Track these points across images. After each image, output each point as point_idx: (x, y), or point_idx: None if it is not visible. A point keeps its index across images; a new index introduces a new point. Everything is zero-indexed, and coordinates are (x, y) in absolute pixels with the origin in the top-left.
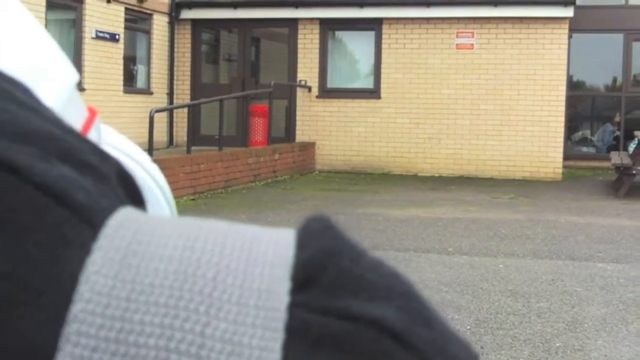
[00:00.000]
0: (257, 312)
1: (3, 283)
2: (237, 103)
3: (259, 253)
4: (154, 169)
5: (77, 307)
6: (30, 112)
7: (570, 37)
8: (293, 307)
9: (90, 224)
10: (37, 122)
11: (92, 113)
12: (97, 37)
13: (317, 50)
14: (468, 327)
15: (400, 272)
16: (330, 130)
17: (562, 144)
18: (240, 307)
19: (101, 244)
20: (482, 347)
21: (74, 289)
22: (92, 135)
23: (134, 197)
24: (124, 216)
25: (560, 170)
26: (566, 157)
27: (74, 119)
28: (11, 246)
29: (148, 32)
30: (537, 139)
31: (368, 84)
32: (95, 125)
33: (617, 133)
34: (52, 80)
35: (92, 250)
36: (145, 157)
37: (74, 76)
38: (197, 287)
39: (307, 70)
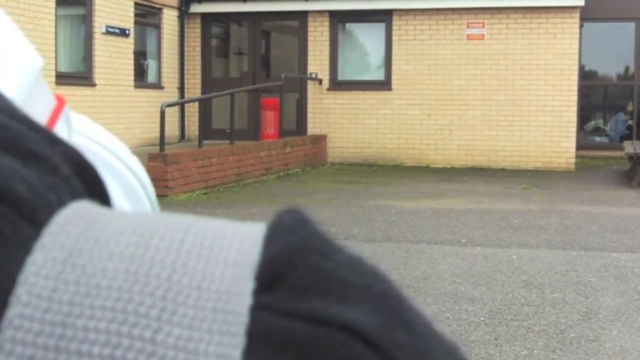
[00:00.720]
0: (215, 315)
1: None
2: (248, 96)
3: (222, 250)
4: (133, 160)
5: (13, 312)
6: None
7: (581, 26)
8: (256, 309)
9: (32, 220)
10: None
11: (61, 102)
12: (107, 32)
13: (328, 43)
14: (482, 318)
15: (379, 270)
16: (342, 122)
17: (574, 134)
18: (196, 311)
19: (44, 242)
20: (496, 339)
21: (10, 292)
22: (60, 125)
23: (95, 189)
24: (73, 211)
25: (573, 160)
26: (579, 147)
27: (39, 107)
28: None
29: (158, 27)
30: (549, 129)
31: (379, 75)
32: (64, 114)
33: (630, 122)
34: (12, 68)
35: (33, 249)
36: (123, 149)
37: (38, 63)
38: (149, 289)
39: (317, 62)
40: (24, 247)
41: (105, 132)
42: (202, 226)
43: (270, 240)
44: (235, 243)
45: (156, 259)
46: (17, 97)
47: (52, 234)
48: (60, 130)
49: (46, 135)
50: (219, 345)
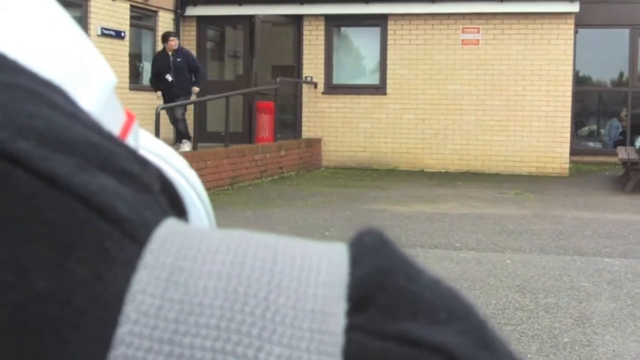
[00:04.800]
0: (312, 335)
1: (45, 303)
2: (243, 100)
3: (312, 271)
4: (192, 175)
5: (124, 329)
6: (69, 118)
7: (576, 32)
8: (350, 330)
9: (134, 238)
10: (76, 128)
11: (130, 117)
12: (103, 35)
13: (323, 47)
14: None
15: (459, 292)
16: (336, 126)
17: (568, 139)
18: (294, 330)
19: (147, 261)
20: None
21: (119, 310)
22: (130, 140)
23: (177, 206)
24: (168, 229)
25: (567, 166)
26: (573, 153)
27: (112, 123)
28: (52, 264)
29: (153, 29)
30: (543, 134)
31: (374, 80)
32: (134, 129)
33: (624, 128)
34: (90, 84)
35: (137, 267)
36: (183, 162)
37: (112, 79)
38: (249, 308)
39: (312, 66)
40: (129, 266)
41: (165, 145)
42: (288, 246)
43: (356, 261)
44: (323, 263)
45: (253, 279)
46: (94, 113)
47: (153, 252)
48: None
49: (134, 154)
50: None
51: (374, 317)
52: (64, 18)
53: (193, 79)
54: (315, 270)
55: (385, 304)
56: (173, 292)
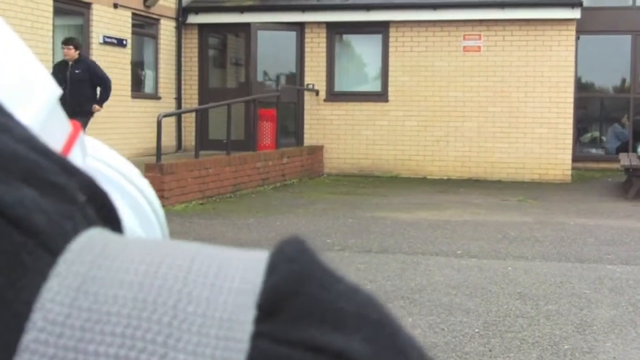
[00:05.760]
0: (217, 342)
1: None
2: (244, 107)
3: (226, 279)
4: (144, 184)
5: (29, 337)
6: None
7: (577, 38)
8: (256, 337)
9: (49, 249)
10: (2, 141)
11: (76, 128)
12: (105, 43)
13: (324, 54)
14: (476, 330)
15: (376, 300)
16: (339, 133)
17: (571, 146)
18: (200, 338)
19: (59, 270)
20: (490, 350)
21: (27, 318)
22: (75, 151)
23: (107, 216)
24: (87, 239)
25: (569, 172)
26: (575, 159)
27: (56, 135)
28: None
29: (155, 37)
30: (545, 141)
31: (375, 87)
32: (79, 140)
33: (626, 134)
34: (30, 96)
35: (49, 276)
36: (135, 172)
37: (55, 91)
38: (156, 316)
39: (314, 74)
40: (41, 275)
41: (116, 154)
42: (208, 254)
43: (272, 269)
44: (239, 271)
45: (164, 287)
46: (35, 125)
47: (67, 262)
48: (76, 156)
49: (63, 165)
50: None
51: (282, 324)
52: (6, 31)
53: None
54: (230, 278)
55: (295, 311)
56: (82, 301)
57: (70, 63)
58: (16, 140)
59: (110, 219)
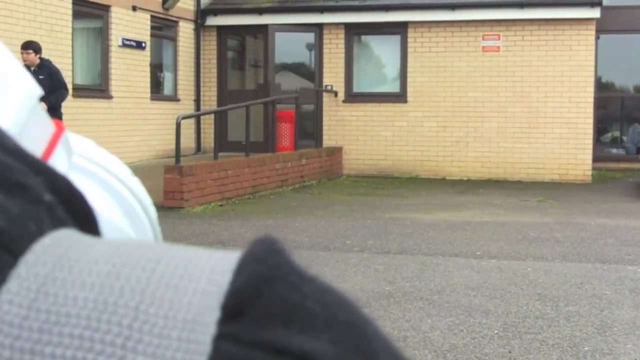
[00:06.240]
0: (179, 344)
1: None
2: (263, 109)
3: (192, 280)
4: (134, 181)
5: None
6: None
7: (597, 38)
8: (219, 339)
9: (10, 250)
10: None
11: (60, 128)
12: (124, 45)
13: (343, 55)
14: (496, 331)
15: (348, 300)
16: (357, 134)
17: (591, 146)
18: (161, 340)
19: (19, 271)
20: (510, 352)
21: None
22: (58, 150)
23: (81, 217)
24: (51, 240)
25: (590, 172)
26: (595, 159)
27: (37, 135)
28: None
29: (174, 40)
30: (565, 141)
31: (394, 88)
32: (63, 140)
33: None
34: (9, 97)
35: (8, 278)
36: (124, 170)
37: (35, 90)
38: (116, 318)
39: (332, 75)
40: (0, 276)
41: (106, 154)
42: (176, 255)
43: (240, 270)
44: (206, 272)
45: (126, 289)
46: (14, 126)
47: (28, 263)
48: (60, 156)
49: (33, 165)
50: None
51: (246, 325)
52: None
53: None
54: (196, 279)
55: (260, 313)
56: (41, 303)
57: (33, 69)
58: None
59: (84, 219)
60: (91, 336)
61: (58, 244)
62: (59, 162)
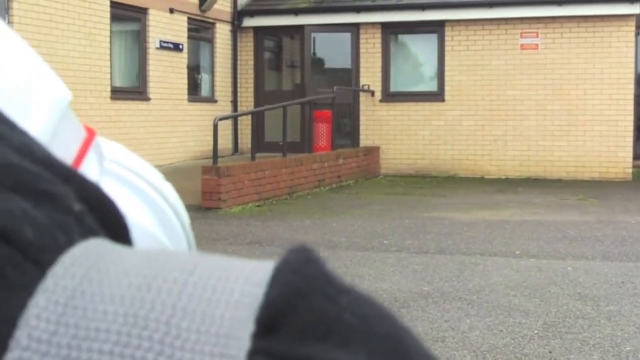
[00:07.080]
0: (211, 359)
1: None
2: (300, 109)
3: (224, 292)
4: (166, 187)
5: (12, 356)
6: None
7: (637, 34)
8: (253, 354)
9: (38, 262)
10: None
11: (91, 133)
12: (161, 47)
13: (380, 55)
14: (536, 331)
15: (386, 311)
16: (395, 134)
17: (631, 143)
18: (193, 355)
19: (47, 285)
20: (550, 352)
21: (10, 335)
22: (90, 156)
23: (112, 224)
24: (81, 251)
25: (630, 170)
26: (636, 157)
27: (68, 141)
28: None
29: (211, 41)
30: (605, 138)
31: (432, 87)
32: (94, 145)
33: None
34: (37, 103)
35: (36, 291)
36: (156, 175)
37: (66, 96)
38: (147, 333)
39: (369, 74)
40: (28, 290)
41: (137, 158)
42: (209, 266)
43: (274, 281)
44: (239, 284)
45: (157, 302)
46: (45, 132)
47: (56, 275)
48: (91, 162)
49: (63, 173)
50: None
51: (281, 340)
52: (12, 36)
53: None
54: (229, 291)
55: (295, 326)
56: (70, 317)
57: None
58: (12, 149)
59: (115, 227)
60: (121, 352)
61: (87, 255)
62: (90, 169)
